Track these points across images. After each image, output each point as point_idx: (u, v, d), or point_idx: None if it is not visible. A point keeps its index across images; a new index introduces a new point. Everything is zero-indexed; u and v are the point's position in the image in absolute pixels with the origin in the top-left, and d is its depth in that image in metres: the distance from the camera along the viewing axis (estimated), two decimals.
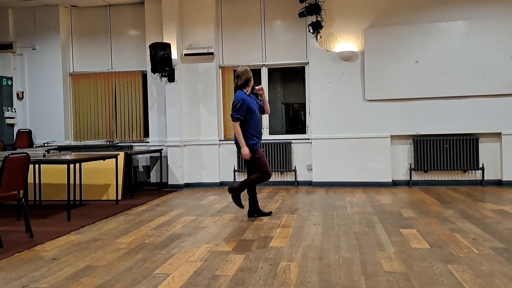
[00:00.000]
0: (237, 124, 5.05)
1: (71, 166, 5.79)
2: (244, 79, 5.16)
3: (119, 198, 6.90)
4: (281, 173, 8.29)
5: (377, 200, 6.43)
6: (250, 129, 5.12)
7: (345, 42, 7.91)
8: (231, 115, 5.09)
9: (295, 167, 8.21)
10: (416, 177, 7.84)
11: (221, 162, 8.46)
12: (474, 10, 7.59)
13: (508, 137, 7.49)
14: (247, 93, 5.18)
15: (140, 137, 8.81)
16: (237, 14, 8.49)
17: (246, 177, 5.36)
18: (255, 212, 5.43)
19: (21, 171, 4.50)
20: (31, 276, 3.38)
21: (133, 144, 8.72)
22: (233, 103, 5.12)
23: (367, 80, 7.81)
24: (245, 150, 5.06)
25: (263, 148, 8.20)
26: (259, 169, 5.18)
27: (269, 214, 5.53)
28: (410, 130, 7.78)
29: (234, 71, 8.47)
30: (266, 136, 8.47)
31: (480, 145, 7.59)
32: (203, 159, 8.42)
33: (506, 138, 7.50)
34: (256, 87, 5.29)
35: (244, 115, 5.05)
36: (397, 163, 7.87)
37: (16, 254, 3.99)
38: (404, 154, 7.88)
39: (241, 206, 5.38)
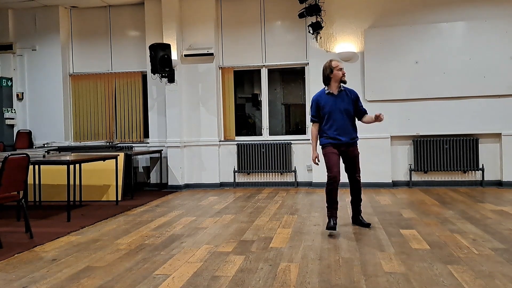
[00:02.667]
0: (313, 125, 4.74)
1: (71, 167, 5.78)
2: (324, 75, 4.72)
3: (119, 199, 6.89)
4: (281, 174, 8.28)
5: (377, 201, 6.43)
6: (324, 129, 4.65)
7: (345, 43, 7.91)
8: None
9: (295, 168, 8.20)
10: (416, 177, 7.84)
11: (221, 163, 8.45)
12: (474, 11, 7.59)
13: (508, 137, 7.49)
14: (327, 91, 4.68)
15: (140, 138, 8.81)
16: (237, 14, 8.49)
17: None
18: (355, 221, 4.91)
19: (21, 172, 4.50)
20: (31, 277, 3.38)
21: (133, 145, 8.71)
22: None
23: (367, 80, 7.82)
24: (312, 154, 4.70)
25: (263, 148, 8.21)
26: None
27: (367, 225, 4.81)
28: (410, 131, 7.78)
29: (235, 72, 8.57)
30: (266, 137, 8.47)
31: (480, 145, 7.59)
32: (203, 159, 8.42)
33: (506, 138, 7.50)
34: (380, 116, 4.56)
35: (315, 115, 4.69)
36: (397, 163, 7.87)
37: (16, 255, 3.99)
38: (404, 155, 7.88)
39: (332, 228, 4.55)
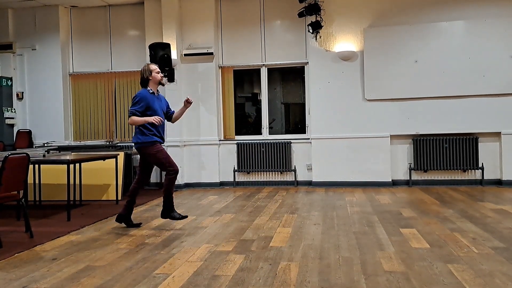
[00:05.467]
0: (133, 117, 4.76)
1: (71, 166, 5.78)
2: (143, 78, 4.89)
3: (119, 198, 6.89)
4: (281, 173, 8.29)
5: (377, 200, 6.43)
6: (150, 127, 4.80)
7: (345, 42, 7.91)
8: (129, 110, 4.82)
9: (295, 167, 8.21)
10: (415, 176, 7.84)
11: (220, 162, 8.46)
12: (474, 10, 7.59)
13: (508, 136, 7.49)
14: (151, 90, 4.86)
15: None
16: (237, 14, 8.49)
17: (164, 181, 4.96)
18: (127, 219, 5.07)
19: (21, 171, 4.50)
20: (31, 276, 3.38)
21: (133, 144, 8.70)
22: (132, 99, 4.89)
23: (367, 80, 7.82)
24: (150, 119, 4.70)
25: (262, 148, 8.22)
26: (163, 167, 4.88)
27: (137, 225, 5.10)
28: (409, 130, 7.79)
29: (234, 71, 8.57)
30: (266, 136, 8.48)
31: (479, 144, 7.59)
32: (202, 159, 8.42)
33: (505, 137, 7.50)
34: (187, 99, 4.97)
35: (140, 111, 4.74)
36: (396, 163, 7.87)
37: (16, 254, 3.99)
38: (403, 154, 7.88)
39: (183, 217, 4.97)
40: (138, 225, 5.09)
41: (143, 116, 4.76)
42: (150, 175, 5.14)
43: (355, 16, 7.90)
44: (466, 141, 7.59)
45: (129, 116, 4.80)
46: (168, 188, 4.87)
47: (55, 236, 4.65)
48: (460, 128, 7.61)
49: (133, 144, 5.04)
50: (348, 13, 7.92)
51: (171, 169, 4.83)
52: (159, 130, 4.89)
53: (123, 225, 5.12)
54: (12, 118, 8.89)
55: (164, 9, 8.20)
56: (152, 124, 4.76)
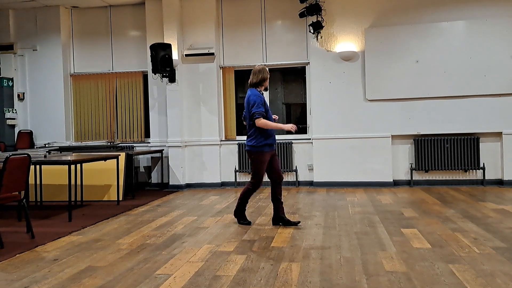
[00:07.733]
0: (263, 118, 4.65)
1: (72, 166, 5.79)
2: (259, 78, 4.80)
3: (120, 198, 6.90)
4: (282, 173, 8.26)
5: (378, 200, 6.43)
6: (267, 130, 4.74)
7: (346, 42, 7.91)
8: (253, 113, 4.63)
9: (296, 167, 8.21)
10: (417, 176, 7.83)
11: (222, 162, 8.46)
12: (475, 10, 7.59)
13: (509, 136, 7.48)
14: (260, 91, 4.84)
15: (141, 137, 8.82)
16: (238, 14, 8.49)
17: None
18: (278, 219, 4.96)
19: (22, 172, 4.51)
20: (32, 277, 3.39)
21: (134, 144, 8.72)
22: (249, 101, 4.71)
23: (368, 80, 7.81)
24: (288, 126, 4.73)
25: None
26: (253, 175, 4.87)
27: (295, 223, 4.90)
28: (410, 130, 7.78)
29: (235, 71, 8.57)
30: None
31: (481, 144, 7.58)
32: (204, 159, 8.42)
33: (506, 137, 7.49)
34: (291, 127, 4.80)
35: (265, 111, 4.68)
36: (398, 163, 7.86)
37: (17, 255, 4.00)
38: (405, 154, 7.87)
39: (248, 223, 5.03)
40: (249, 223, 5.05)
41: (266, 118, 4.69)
42: (275, 171, 4.96)
43: (356, 16, 7.90)
44: (467, 141, 7.59)
45: (257, 118, 4.63)
46: (243, 194, 4.96)
47: (56, 236, 4.66)
48: (461, 128, 7.61)
49: (247, 146, 4.88)
50: (349, 13, 7.92)
51: (255, 181, 4.85)
52: (273, 133, 4.84)
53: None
54: (13, 118, 8.90)
55: (165, 10, 8.21)
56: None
